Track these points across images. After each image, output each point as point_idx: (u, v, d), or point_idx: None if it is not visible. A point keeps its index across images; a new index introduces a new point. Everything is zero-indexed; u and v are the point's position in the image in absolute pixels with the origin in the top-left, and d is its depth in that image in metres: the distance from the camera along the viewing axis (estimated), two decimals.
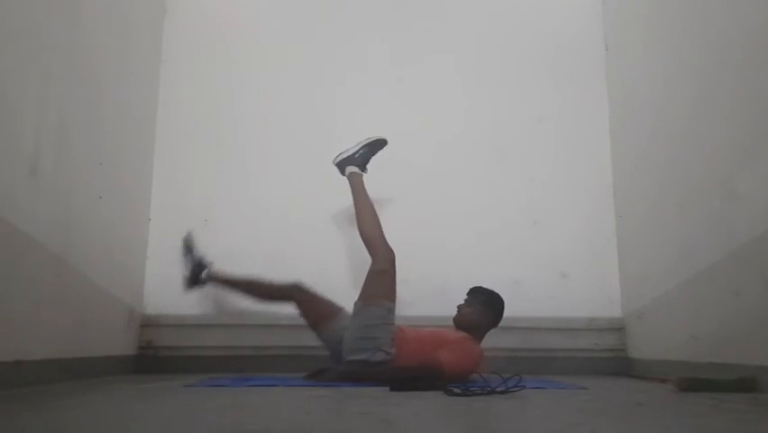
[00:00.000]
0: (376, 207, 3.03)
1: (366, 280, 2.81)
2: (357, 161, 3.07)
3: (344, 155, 3.09)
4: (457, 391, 2.03)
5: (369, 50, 3.72)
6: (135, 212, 3.32)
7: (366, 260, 3.02)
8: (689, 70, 2.76)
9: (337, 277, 3.37)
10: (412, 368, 2.44)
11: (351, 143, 3.14)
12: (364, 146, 3.09)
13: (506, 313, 2.78)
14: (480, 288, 2.78)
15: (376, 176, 3.21)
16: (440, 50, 3.75)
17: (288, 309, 3.34)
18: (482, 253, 3.45)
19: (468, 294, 2.78)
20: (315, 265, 3.41)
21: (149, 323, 3.32)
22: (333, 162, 3.12)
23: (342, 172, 3.11)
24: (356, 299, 2.79)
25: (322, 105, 3.65)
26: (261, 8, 3.81)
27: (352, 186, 3.05)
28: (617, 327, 3.42)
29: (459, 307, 2.76)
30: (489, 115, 3.69)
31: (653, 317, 3.11)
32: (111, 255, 2.94)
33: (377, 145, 3.11)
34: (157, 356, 3.28)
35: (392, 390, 2.20)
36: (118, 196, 3.02)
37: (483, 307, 2.73)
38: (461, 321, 2.72)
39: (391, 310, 2.71)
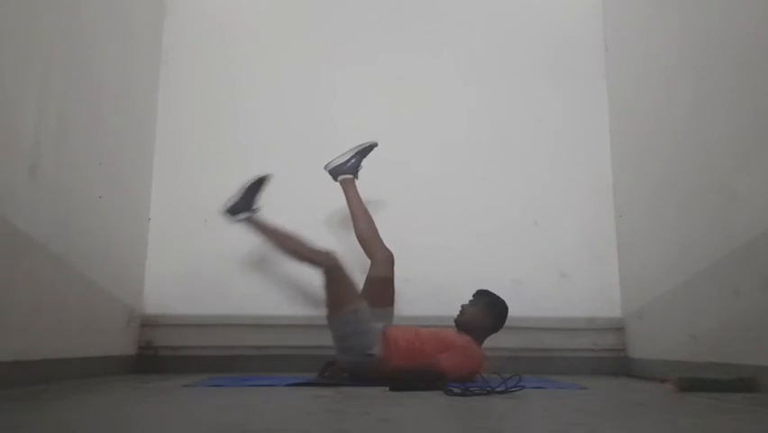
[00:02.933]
0: (377, 206, 3.06)
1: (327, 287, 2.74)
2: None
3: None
4: (457, 391, 2.03)
5: (369, 49, 3.72)
6: (135, 212, 3.32)
7: (367, 261, 3.02)
8: (688, 70, 2.76)
9: None
10: (414, 370, 2.44)
11: (343, 149, 3.15)
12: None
13: None
14: (486, 291, 2.78)
15: (375, 176, 3.21)
16: (440, 50, 3.75)
17: (286, 309, 3.36)
18: (482, 253, 3.45)
19: (474, 295, 2.78)
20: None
21: (149, 323, 3.32)
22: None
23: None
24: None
25: (322, 104, 3.64)
26: (261, 8, 3.81)
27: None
28: (617, 327, 3.42)
29: (462, 306, 2.75)
30: (488, 114, 3.69)
31: (652, 317, 3.11)
32: (111, 255, 2.94)
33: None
34: (157, 356, 3.28)
35: (392, 390, 2.20)
36: (118, 196, 3.02)
37: (486, 309, 2.72)
38: (462, 321, 2.72)
39: (356, 312, 2.66)
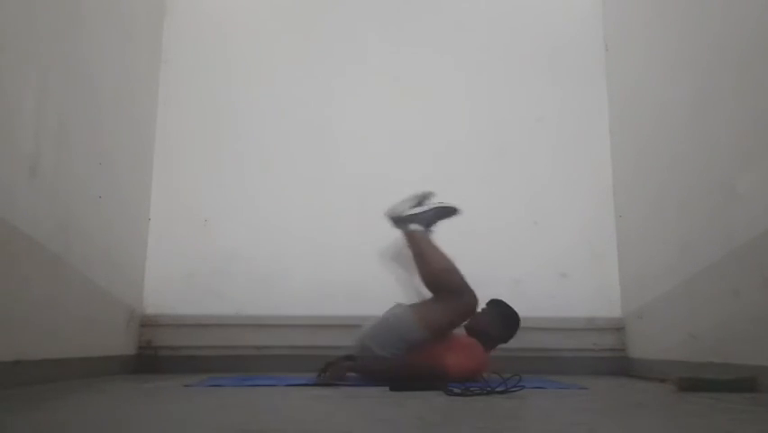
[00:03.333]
0: (377, 207, 3.02)
1: (437, 301, 2.60)
2: (423, 221, 2.75)
3: (409, 211, 2.74)
4: (457, 391, 2.03)
5: (368, 50, 3.72)
6: (135, 212, 3.32)
7: (367, 261, 3.02)
8: (689, 70, 2.76)
9: (336, 277, 3.37)
10: (417, 367, 2.44)
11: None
12: (435, 208, 2.76)
13: None
14: (500, 301, 2.77)
15: (375, 176, 3.21)
16: (440, 50, 3.75)
17: (286, 309, 3.35)
18: (482, 253, 3.44)
19: (487, 304, 2.75)
20: (314, 265, 3.42)
21: (148, 323, 3.32)
22: (389, 215, 2.76)
23: (398, 226, 2.77)
24: (398, 300, 2.68)
25: (321, 104, 3.64)
26: (261, 8, 3.81)
27: (416, 241, 2.71)
28: (617, 327, 3.42)
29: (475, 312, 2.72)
30: (489, 114, 3.69)
31: (652, 317, 3.11)
32: (110, 255, 2.94)
33: (448, 213, 2.79)
34: (156, 356, 3.28)
35: (392, 390, 2.20)
36: (118, 196, 3.02)
37: (497, 319, 2.71)
38: (472, 326, 2.69)
39: (425, 340, 2.54)
